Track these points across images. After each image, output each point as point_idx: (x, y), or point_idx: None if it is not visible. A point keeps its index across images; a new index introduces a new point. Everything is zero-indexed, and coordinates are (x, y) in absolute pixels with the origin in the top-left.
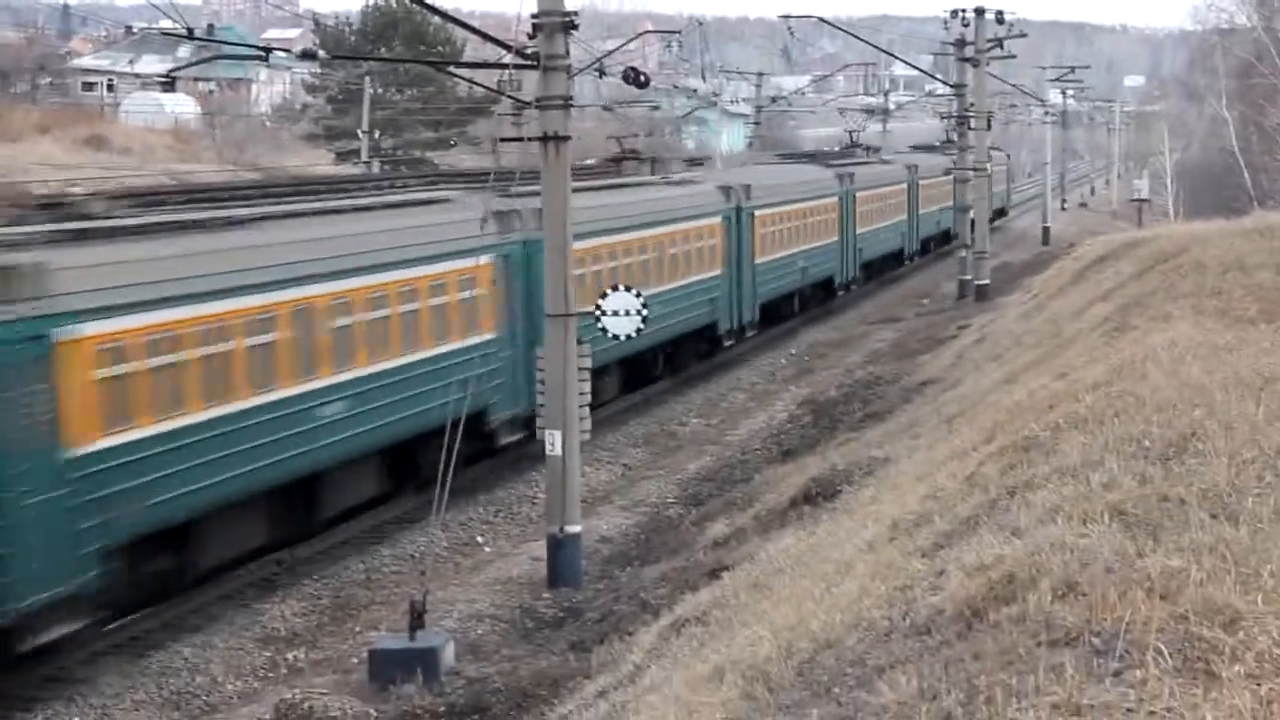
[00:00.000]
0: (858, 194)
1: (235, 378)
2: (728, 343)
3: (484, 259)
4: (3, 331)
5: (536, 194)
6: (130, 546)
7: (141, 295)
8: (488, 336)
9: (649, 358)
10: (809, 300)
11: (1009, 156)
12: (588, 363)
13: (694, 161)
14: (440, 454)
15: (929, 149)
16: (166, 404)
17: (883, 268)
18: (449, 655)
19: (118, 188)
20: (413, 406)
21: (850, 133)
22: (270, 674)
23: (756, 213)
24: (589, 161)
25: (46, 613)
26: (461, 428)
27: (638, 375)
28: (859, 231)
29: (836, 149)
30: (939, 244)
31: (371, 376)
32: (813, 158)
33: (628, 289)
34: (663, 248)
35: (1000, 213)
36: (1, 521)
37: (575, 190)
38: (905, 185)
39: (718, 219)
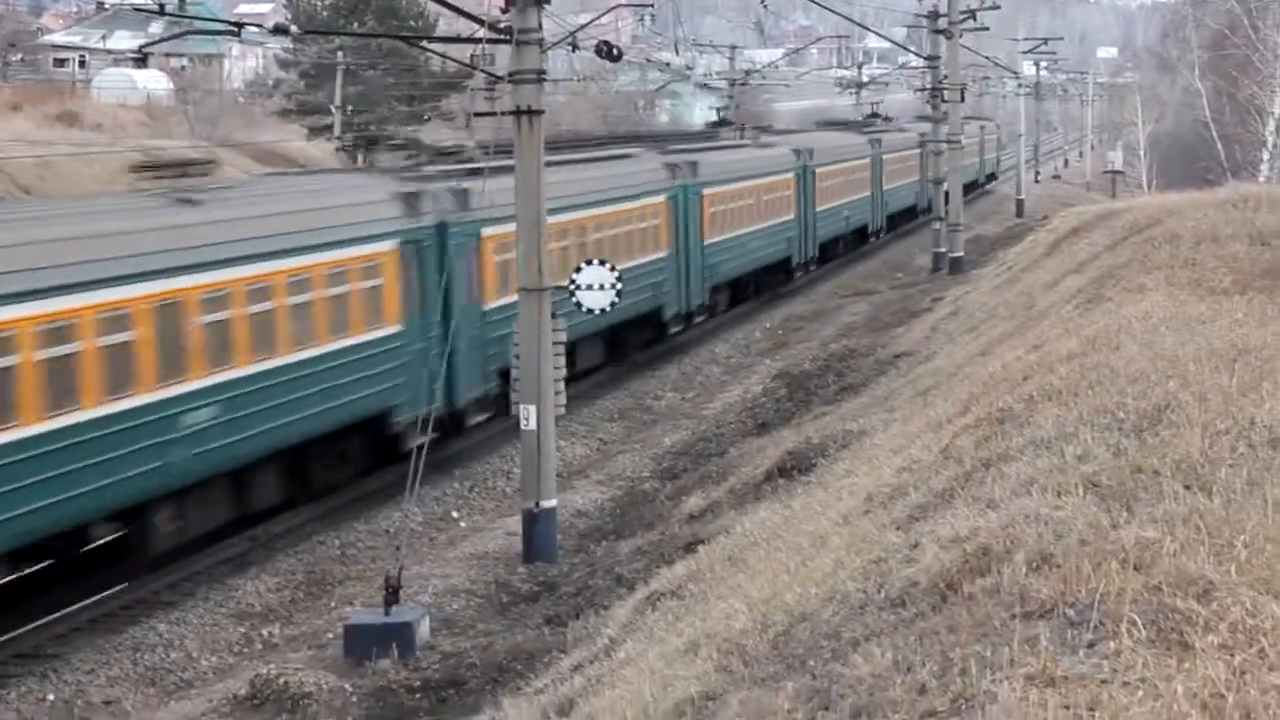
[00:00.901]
0: (884, 157)
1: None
2: (800, 272)
3: (387, 245)
4: (466, 229)
5: (451, 174)
6: (504, 371)
7: (505, 213)
8: (391, 330)
9: (746, 281)
10: (850, 243)
11: (999, 125)
12: (562, 337)
13: (762, 129)
14: None
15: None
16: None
17: (901, 220)
18: (424, 630)
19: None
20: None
21: (873, 104)
22: (245, 649)
23: (818, 170)
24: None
25: (471, 406)
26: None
27: (738, 295)
28: (885, 188)
29: (860, 118)
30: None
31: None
32: (846, 125)
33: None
34: (759, 194)
35: (991, 176)
36: (453, 350)
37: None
38: (917, 150)
39: (791, 175)
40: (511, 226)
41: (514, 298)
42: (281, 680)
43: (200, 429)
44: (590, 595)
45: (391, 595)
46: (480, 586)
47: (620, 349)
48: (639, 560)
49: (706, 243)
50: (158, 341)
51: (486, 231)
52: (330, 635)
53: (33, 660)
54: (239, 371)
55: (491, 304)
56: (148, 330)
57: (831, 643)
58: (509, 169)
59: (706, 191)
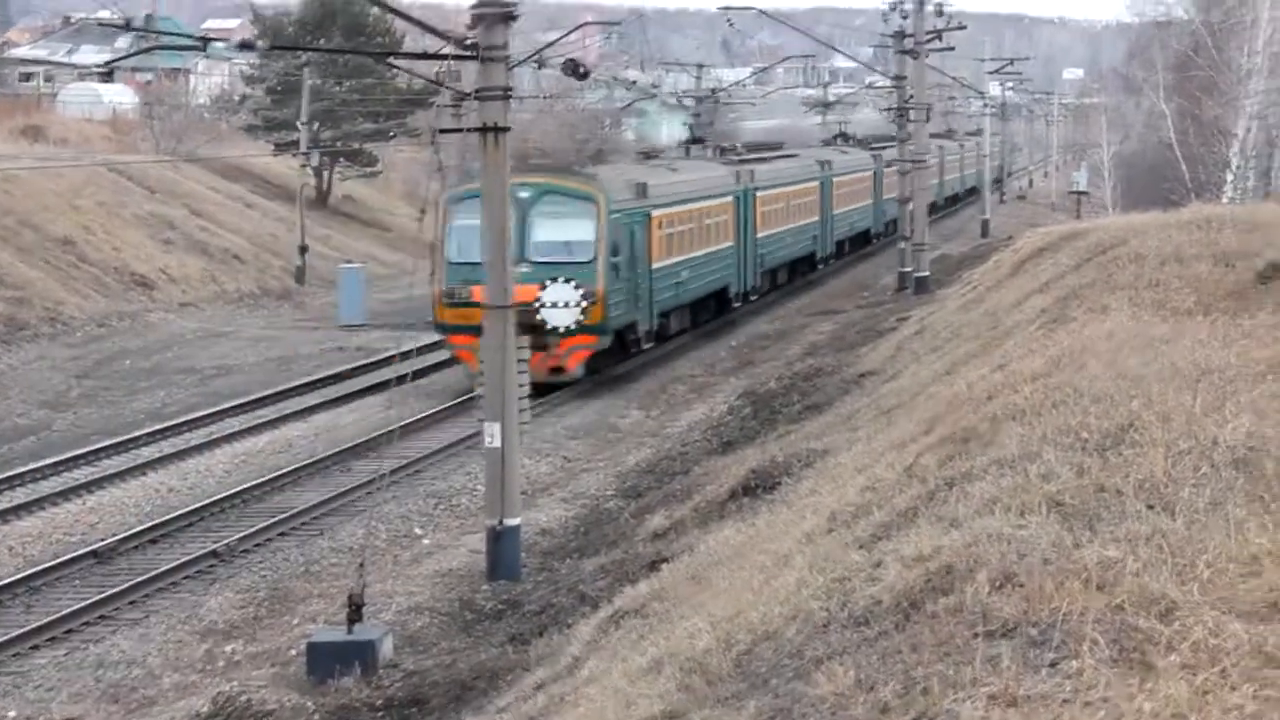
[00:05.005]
0: (883, 170)
1: (697, 240)
2: (822, 265)
3: (730, 199)
4: (639, 214)
5: (746, 160)
6: (669, 310)
7: (671, 197)
8: (729, 244)
9: (782, 270)
10: (856, 243)
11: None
12: (526, 354)
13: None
14: None
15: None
16: (679, 249)
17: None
18: (387, 648)
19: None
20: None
21: (840, 124)
22: (208, 666)
23: (835, 179)
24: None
25: (639, 332)
26: None
27: (776, 282)
28: (884, 197)
29: (870, 138)
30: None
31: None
32: (860, 142)
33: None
34: (792, 199)
35: (972, 190)
36: (635, 291)
37: (765, 158)
38: (872, 172)
39: (817, 183)
40: (767, 192)
41: (774, 230)
42: (244, 698)
43: (684, 279)
44: (554, 613)
45: (354, 613)
46: (444, 604)
47: (699, 317)
48: (603, 578)
49: (758, 236)
50: (688, 233)
51: (759, 194)
52: (293, 653)
53: None
54: (693, 254)
55: (761, 234)
56: (695, 225)
57: (794, 661)
58: (781, 157)
59: (759, 194)
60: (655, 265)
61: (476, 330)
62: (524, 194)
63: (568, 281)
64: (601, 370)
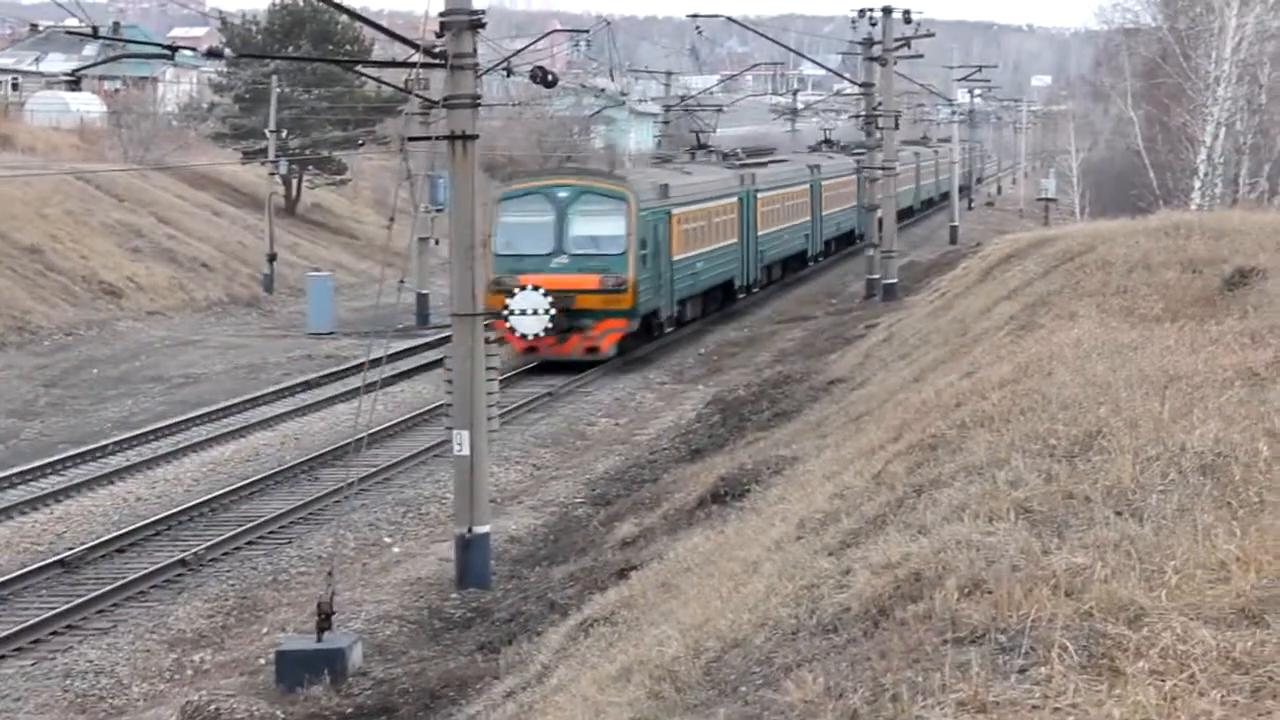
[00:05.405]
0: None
1: (709, 236)
2: (813, 262)
3: (734, 199)
4: (660, 212)
5: (746, 165)
6: (686, 298)
7: (689, 197)
8: (734, 240)
9: (778, 266)
10: (841, 243)
11: (969, 147)
12: (496, 362)
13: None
14: None
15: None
16: (694, 244)
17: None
18: (356, 656)
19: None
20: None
21: (824, 130)
22: (176, 676)
23: (823, 182)
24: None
25: (661, 317)
26: None
27: (772, 276)
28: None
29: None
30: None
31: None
32: (844, 148)
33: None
34: (787, 200)
35: (943, 196)
36: (659, 281)
37: (764, 163)
38: (853, 177)
39: (808, 185)
40: (767, 194)
41: (772, 228)
42: (213, 707)
43: (698, 270)
44: (523, 621)
45: (324, 621)
46: (413, 612)
47: (708, 307)
48: (572, 586)
49: (759, 234)
50: (701, 229)
51: (760, 195)
52: (262, 661)
53: None
54: (705, 248)
55: (762, 232)
56: (706, 223)
57: (764, 669)
58: (776, 161)
59: (759, 195)
60: (675, 258)
61: None
62: (563, 194)
63: (603, 271)
64: (629, 350)
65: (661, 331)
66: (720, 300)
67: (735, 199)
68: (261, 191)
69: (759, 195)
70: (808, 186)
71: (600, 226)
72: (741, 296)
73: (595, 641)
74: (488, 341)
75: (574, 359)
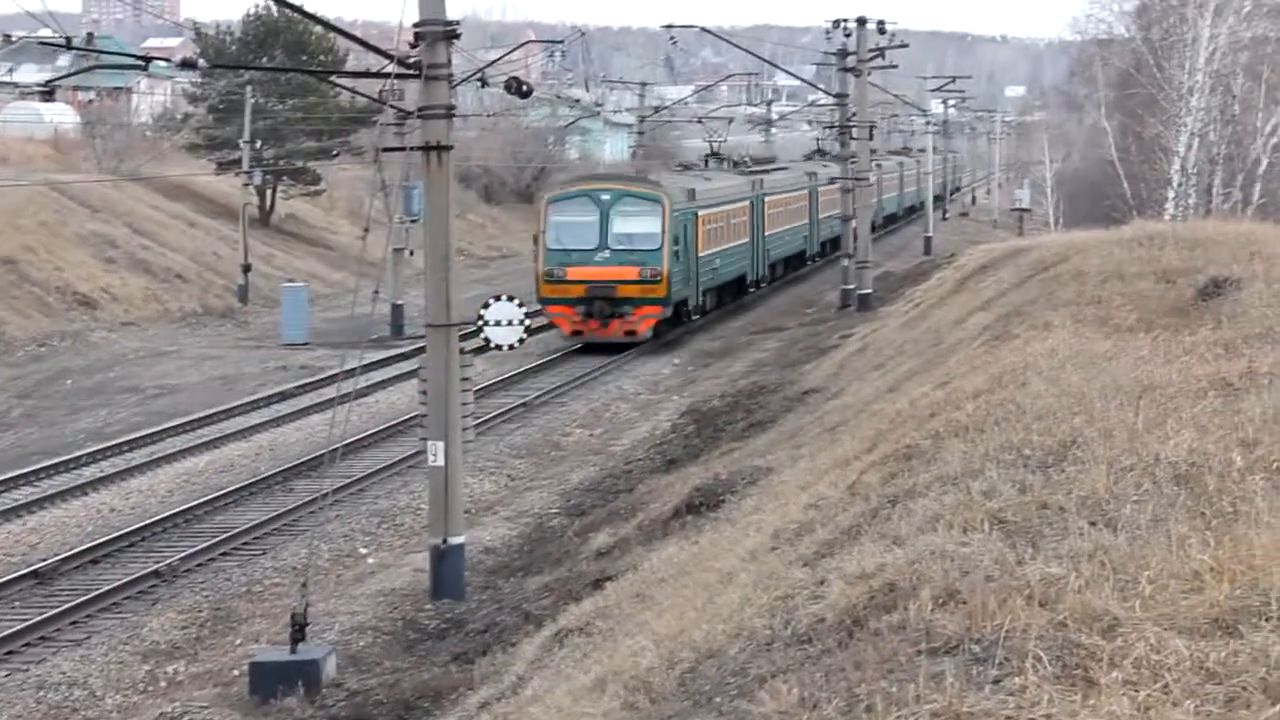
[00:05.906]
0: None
1: (727, 235)
2: (810, 261)
3: (746, 202)
4: (689, 214)
5: (755, 171)
6: (708, 289)
7: (711, 200)
8: (746, 240)
9: (781, 264)
10: (833, 246)
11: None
12: (470, 372)
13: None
14: None
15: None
16: (716, 242)
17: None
18: (331, 667)
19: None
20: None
21: (817, 139)
22: (150, 687)
23: (820, 189)
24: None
25: (689, 306)
26: None
27: (776, 274)
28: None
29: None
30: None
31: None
32: (837, 158)
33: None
34: (789, 204)
35: (919, 207)
36: (688, 273)
37: (770, 170)
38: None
39: (806, 190)
40: (773, 198)
41: (777, 229)
42: (186, 719)
43: (718, 266)
44: (498, 632)
45: (298, 632)
46: (387, 623)
47: (724, 299)
48: (547, 597)
49: (766, 235)
50: (721, 229)
51: (767, 199)
52: (236, 673)
53: None
54: (724, 246)
55: (769, 233)
56: (725, 224)
57: (738, 680)
58: (779, 169)
59: (767, 199)
60: (701, 254)
61: (571, 302)
62: (605, 196)
63: (641, 264)
64: (662, 335)
65: (689, 319)
66: (734, 293)
67: (747, 202)
68: (236, 202)
69: (766, 199)
70: (806, 192)
71: (639, 225)
72: (752, 290)
73: (570, 652)
74: (463, 352)
75: (615, 340)
